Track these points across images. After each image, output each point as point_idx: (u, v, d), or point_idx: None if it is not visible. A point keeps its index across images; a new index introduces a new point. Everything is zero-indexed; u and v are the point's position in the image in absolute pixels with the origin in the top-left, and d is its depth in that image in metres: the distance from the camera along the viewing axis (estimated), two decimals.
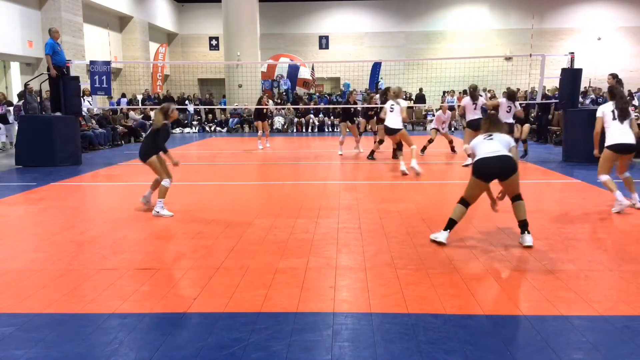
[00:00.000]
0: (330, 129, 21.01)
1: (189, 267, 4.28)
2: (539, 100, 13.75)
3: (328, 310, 3.38)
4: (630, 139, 5.96)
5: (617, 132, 5.97)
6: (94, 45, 20.52)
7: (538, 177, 8.68)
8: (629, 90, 20.17)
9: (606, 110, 6.15)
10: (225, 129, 21.88)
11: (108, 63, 11.86)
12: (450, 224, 4.85)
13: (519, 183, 4.83)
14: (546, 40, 27.50)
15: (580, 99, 19.03)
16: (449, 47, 28.14)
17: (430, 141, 12.98)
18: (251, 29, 21.78)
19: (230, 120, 21.78)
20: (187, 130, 21.82)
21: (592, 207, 6.43)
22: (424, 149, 12.96)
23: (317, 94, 23.32)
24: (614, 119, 6.02)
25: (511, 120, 9.99)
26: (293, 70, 23.66)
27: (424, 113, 22.34)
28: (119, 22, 23.77)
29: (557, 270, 4.08)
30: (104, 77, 11.62)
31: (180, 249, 4.87)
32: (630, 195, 6.14)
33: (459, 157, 11.73)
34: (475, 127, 9.75)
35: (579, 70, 11.14)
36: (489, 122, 5.14)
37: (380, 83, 23.07)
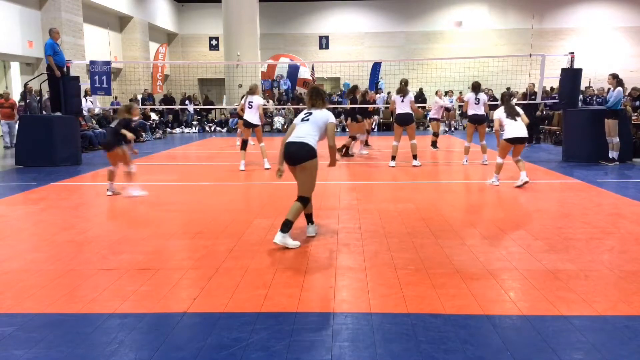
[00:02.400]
0: None
1: (189, 267, 4.28)
2: (539, 100, 13.75)
3: (328, 310, 3.38)
4: (522, 133, 7.62)
5: (512, 128, 7.64)
6: (94, 45, 20.51)
7: (538, 177, 8.67)
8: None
9: (500, 113, 7.87)
10: (225, 129, 21.89)
11: (108, 63, 11.86)
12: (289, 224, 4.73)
13: (310, 182, 4.79)
14: (546, 40, 27.49)
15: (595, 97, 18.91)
16: (449, 47, 28.14)
17: (436, 134, 12.95)
18: (251, 29, 21.78)
19: (230, 120, 21.79)
20: (187, 130, 21.82)
21: (592, 207, 6.43)
22: (435, 144, 12.93)
23: None
24: (507, 117, 7.73)
25: (482, 112, 10.01)
26: (293, 70, 23.65)
27: (424, 113, 22.30)
28: (119, 22, 23.76)
29: (557, 270, 4.08)
30: (104, 77, 11.61)
31: (180, 249, 4.87)
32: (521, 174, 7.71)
33: (457, 157, 11.71)
34: (401, 122, 9.98)
35: (579, 70, 11.14)
36: (314, 93, 5.07)
37: (380, 83, 23.05)
